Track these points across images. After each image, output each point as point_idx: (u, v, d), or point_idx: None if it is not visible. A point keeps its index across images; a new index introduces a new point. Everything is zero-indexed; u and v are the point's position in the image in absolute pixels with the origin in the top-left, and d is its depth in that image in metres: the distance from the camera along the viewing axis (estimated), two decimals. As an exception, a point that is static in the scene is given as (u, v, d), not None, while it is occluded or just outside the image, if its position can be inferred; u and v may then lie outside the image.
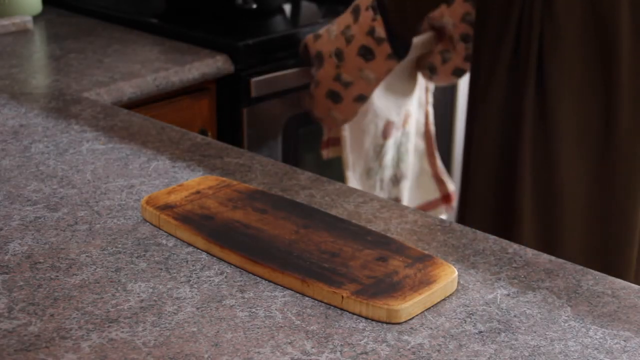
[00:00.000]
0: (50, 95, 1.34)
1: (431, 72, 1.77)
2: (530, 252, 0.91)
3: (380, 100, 1.75)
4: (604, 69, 1.34)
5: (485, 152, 1.44)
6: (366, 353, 0.74)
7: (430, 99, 1.90)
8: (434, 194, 1.94)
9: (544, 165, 1.39)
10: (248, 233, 0.90)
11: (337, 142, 1.77)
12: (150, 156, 1.11)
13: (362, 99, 1.65)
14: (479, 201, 1.47)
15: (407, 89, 1.81)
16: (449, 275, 0.83)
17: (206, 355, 0.73)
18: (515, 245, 0.93)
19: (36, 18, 1.75)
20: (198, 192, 0.98)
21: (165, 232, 0.93)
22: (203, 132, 1.59)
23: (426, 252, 0.88)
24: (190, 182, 1.01)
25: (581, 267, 0.89)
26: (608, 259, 1.41)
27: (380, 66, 1.58)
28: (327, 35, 1.63)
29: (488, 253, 0.91)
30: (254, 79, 1.62)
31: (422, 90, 1.87)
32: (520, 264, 0.89)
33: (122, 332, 0.76)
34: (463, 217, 1.50)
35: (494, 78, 1.40)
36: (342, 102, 1.65)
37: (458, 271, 0.86)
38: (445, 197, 1.95)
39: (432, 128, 1.91)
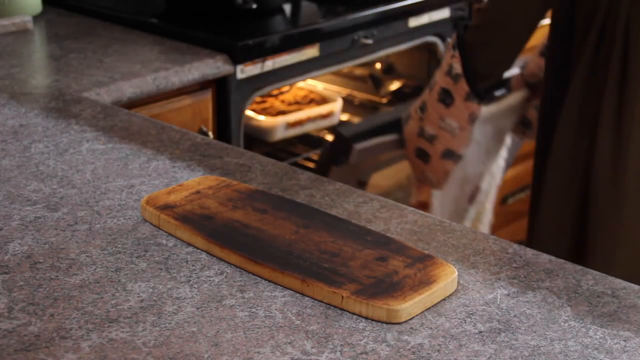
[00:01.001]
0: (50, 95, 1.34)
1: (525, 127, 1.63)
2: (530, 252, 0.91)
3: (475, 166, 1.63)
4: None
5: (561, 164, 1.34)
6: (366, 353, 0.74)
7: (505, 154, 1.75)
8: None
9: (621, 178, 1.27)
10: (248, 233, 0.90)
11: (424, 206, 1.65)
12: (150, 156, 1.11)
13: (451, 155, 1.52)
14: (551, 217, 1.37)
15: (499, 153, 1.68)
16: (449, 275, 0.83)
17: (206, 355, 0.73)
18: (515, 245, 0.93)
19: (36, 18, 1.74)
20: (198, 192, 0.98)
21: (165, 232, 0.93)
22: (203, 132, 1.59)
23: (426, 252, 0.88)
24: (190, 182, 1.01)
25: (581, 267, 0.89)
26: None
27: (460, 110, 1.47)
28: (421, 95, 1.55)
29: (488, 253, 0.91)
30: (358, 146, 1.57)
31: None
32: (520, 264, 0.89)
33: (122, 332, 0.76)
34: (533, 234, 1.41)
35: (572, 84, 1.30)
36: (430, 160, 1.53)
37: (458, 271, 0.86)
38: None
39: (501, 181, 1.81)
